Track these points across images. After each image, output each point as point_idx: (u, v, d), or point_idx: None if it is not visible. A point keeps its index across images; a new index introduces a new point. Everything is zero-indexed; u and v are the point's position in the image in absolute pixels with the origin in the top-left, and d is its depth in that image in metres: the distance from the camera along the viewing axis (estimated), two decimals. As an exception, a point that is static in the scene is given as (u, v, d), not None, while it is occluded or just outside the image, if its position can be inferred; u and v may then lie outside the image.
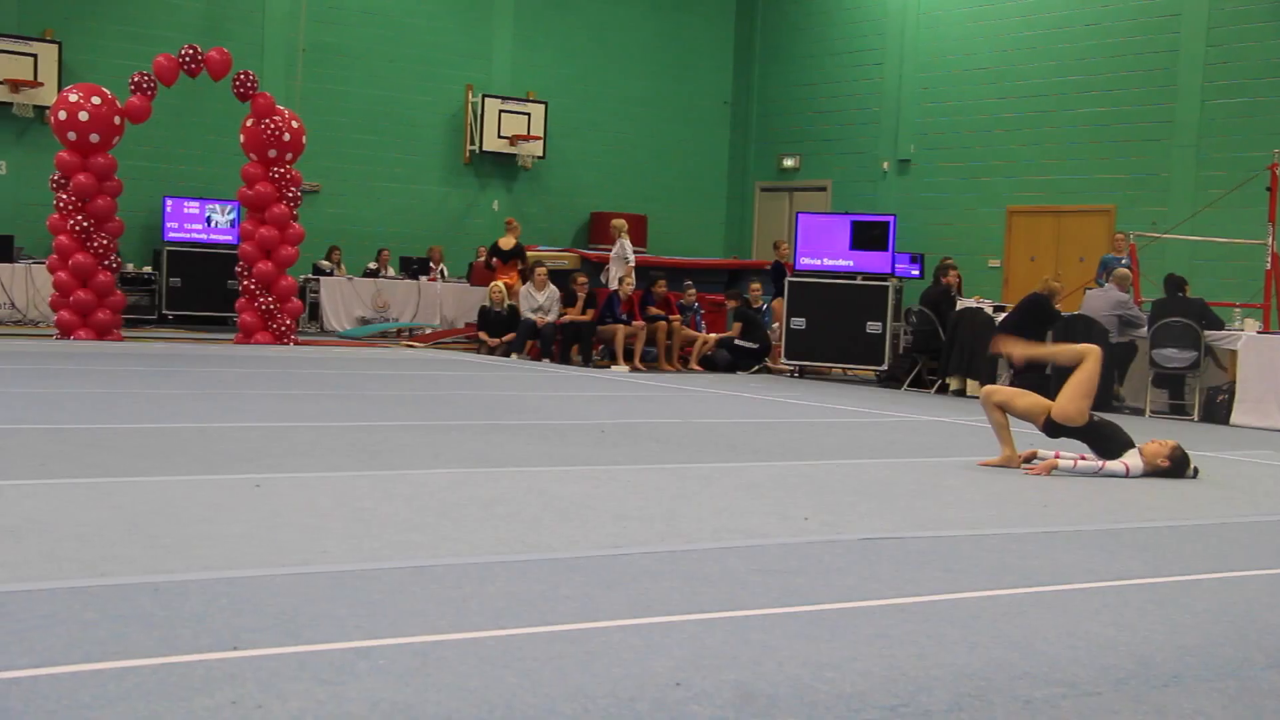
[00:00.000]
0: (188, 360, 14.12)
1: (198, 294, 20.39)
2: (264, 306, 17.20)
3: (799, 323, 16.63)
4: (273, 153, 17.14)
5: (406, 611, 4.01)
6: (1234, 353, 13.51)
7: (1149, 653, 4.00)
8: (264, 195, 17.16)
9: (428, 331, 20.82)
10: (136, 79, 16.64)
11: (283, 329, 17.36)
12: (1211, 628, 4.38)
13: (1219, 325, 13.82)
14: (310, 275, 21.27)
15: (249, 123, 17.22)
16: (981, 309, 15.46)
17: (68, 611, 3.79)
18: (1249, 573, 5.38)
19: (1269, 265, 15.27)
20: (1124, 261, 17.32)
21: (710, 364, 17.59)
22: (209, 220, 20.72)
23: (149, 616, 3.78)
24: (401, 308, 21.49)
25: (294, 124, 17.31)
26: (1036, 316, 14.54)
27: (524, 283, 18.43)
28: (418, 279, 21.97)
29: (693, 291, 18.63)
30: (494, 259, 19.77)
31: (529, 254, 19.90)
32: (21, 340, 15.79)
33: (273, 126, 17.00)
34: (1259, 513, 7.20)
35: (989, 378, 14.79)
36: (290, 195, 17.31)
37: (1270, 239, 15.22)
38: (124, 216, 16.94)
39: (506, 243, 19.76)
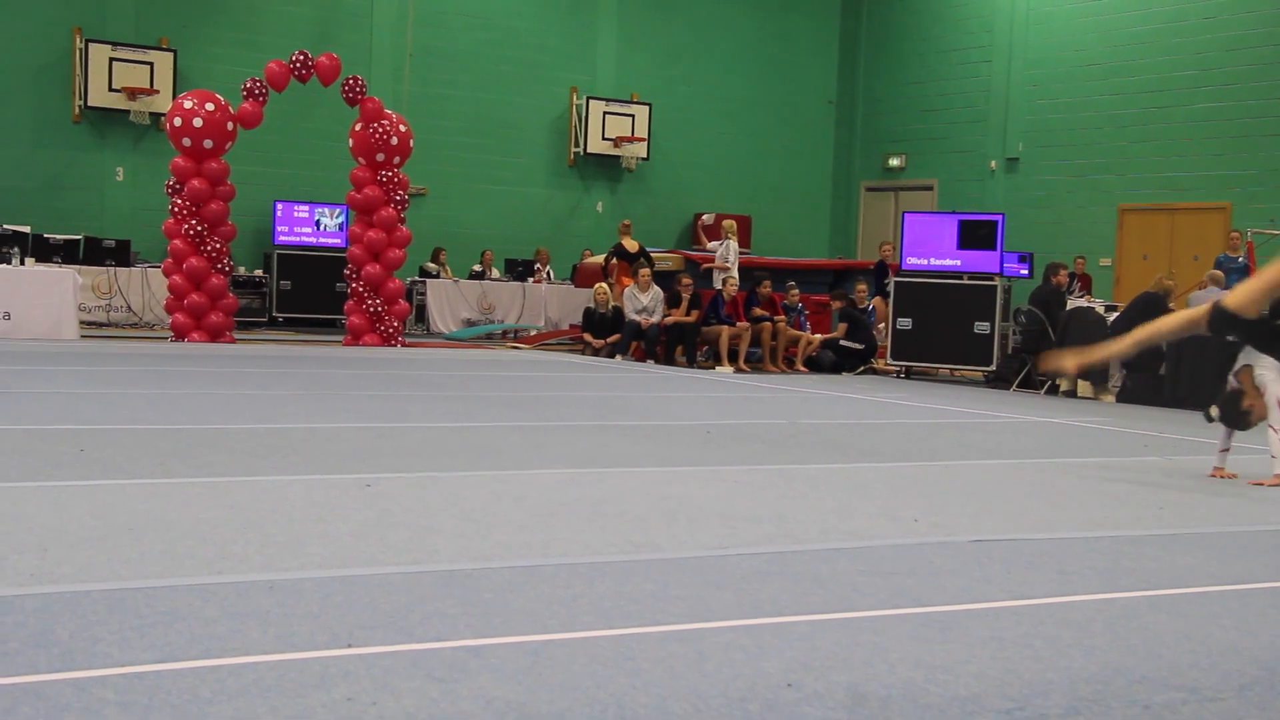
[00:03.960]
0: (298, 362, 14.34)
1: (307, 296, 20.71)
2: (372, 309, 17.42)
3: (905, 323, 16.49)
4: (381, 156, 17.36)
5: (517, 611, 4.03)
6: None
7: (1273, 658, 3.90)
8: (372, 199, 17.38)
9: (533, 333, 20.95)
10: (249, 85, 16.93)
11: (390, 331, 17.57)
12: (1337, 634, 4.26)
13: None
14: (417, 278, 21.49)
15: (357, 127, 17.45)
16: (1092, 308, 15.22)
17: (188, 608, 3.86)
18: (1375, 578, 5.23)
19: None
20: (1240, 260, 17.00)
21: (815, 365, 17.50)
22: (318, 224, 21.03)
23: (266, 614, 3.84)
24: (507, 309, 21.64)
25: (401, 128, 17.50)
26: (1149, 316, 14.27)
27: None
28: (523, 280, 22.11)
29: (795, 291, 18.56)
30: (613, 260, 19.82)
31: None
32: (138, 343, 16.13)
33: (381, 130, 17.21)
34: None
35: (1100, 378, 14.58)
36: (398, 198, 17.51)
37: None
38: (236, 220, 17.24)
39: (632, 245, 19.82)
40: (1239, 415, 7.75)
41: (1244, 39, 20.77)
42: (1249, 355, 7.80)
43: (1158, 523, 6.30)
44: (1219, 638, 4.11)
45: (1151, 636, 4.08)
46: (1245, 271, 16.74)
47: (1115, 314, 14.86)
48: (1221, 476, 7.90)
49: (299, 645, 3.54)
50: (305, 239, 20.98)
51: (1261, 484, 7.64)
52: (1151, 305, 14.38)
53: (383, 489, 6.18)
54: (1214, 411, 7.93)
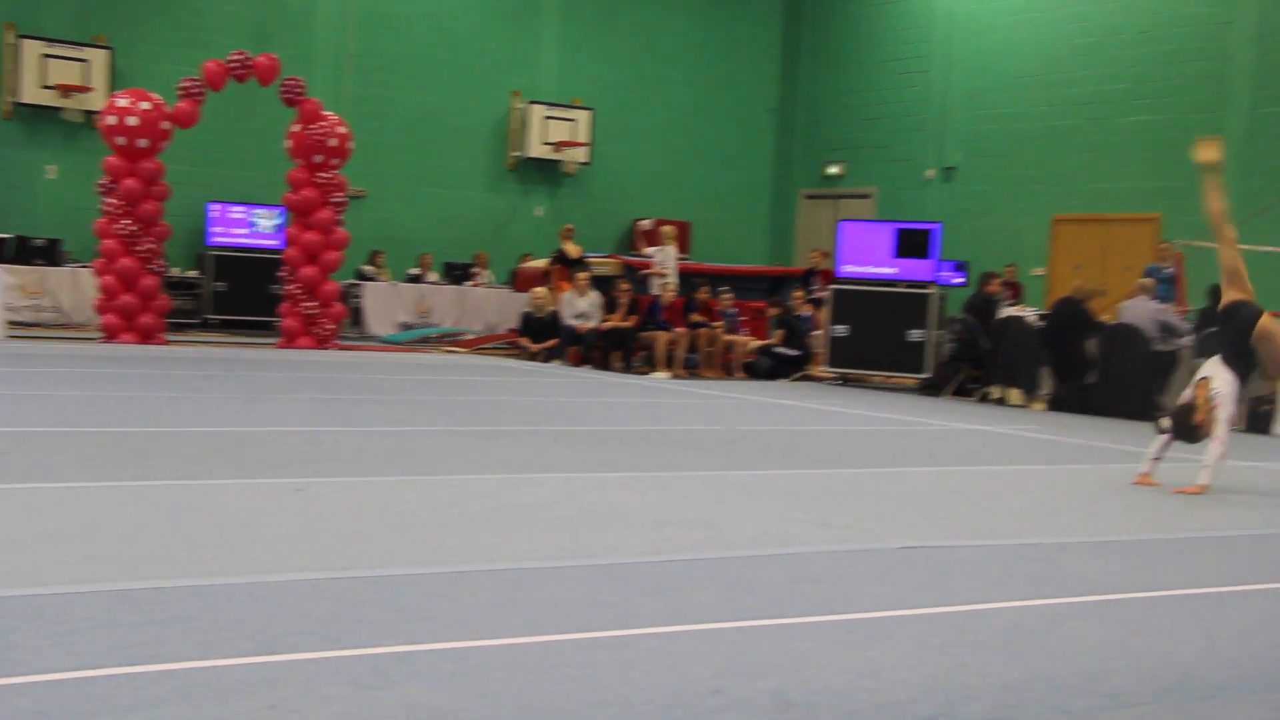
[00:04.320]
0: (230, 364, 14.21)
1: (242, 298, 20.50)
2: (307, 311, 17.30)
3: (842, 330, 16.57)
4: (319, 158, 17.25)
5: (445, 617, 4.02)
6: (1281, 363, 13.38)
7: (1190, 664, 3.96)
8: (309, 200, 17.27)
9: (469, 337, 20.88)
10: (185, 84, 16.77)
11: (325, 333, 17.45)
12: (1254, 640, 4.33)
13: (1266, 335, 13.68)
14: (354, 280, 21.36)
15: (296, 128, 17.33)
16: (1023, 317, 15.37)
17: (108, 614, 3.81)
18: (1294, 586, 5.32)
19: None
20: (1167, 270, 17.21)
21: (752, 370, 17.56)
22: (253, 225, 20.84)
23: (189, 620, 3.81)
24: (444, 313, 21.55)
25: (340, 129, 17.41)
26: (1070, 322, 14.50)
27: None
28: (461, 284, 22.03)
29: (729, 297, 18.61)
30: (556, 266, 19.80)
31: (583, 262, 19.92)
32: (67, 344, 15.93)
33: (319, 132, 17.10)
34: (1306, 525, 7.11)
35: (1031, 387, 14.73)
36: (336, 200, 17.40)
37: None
38: (170, 220, 17.06)
39: (573, 250, 19.81)
40: (1190, 429, 7.86)
41: (1177, 53, 21.04)
42: (1210, 367, 7.94)
43: (1083, 530, 6.38)
44: (1139, 644, 4.16)
45: (1073, 643, 4.12)
46: (1173, 282, 16.95)
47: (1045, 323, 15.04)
48: (1146, 484, 8.01)
49: (222, 652, 3.51)
50: (241, 240, 20.78)
51: (1185, 491, 7.75)
52: (1071, 311, 14.61)
53: (313, 494, 6.14)
54: (1165, 422, 8.04)
